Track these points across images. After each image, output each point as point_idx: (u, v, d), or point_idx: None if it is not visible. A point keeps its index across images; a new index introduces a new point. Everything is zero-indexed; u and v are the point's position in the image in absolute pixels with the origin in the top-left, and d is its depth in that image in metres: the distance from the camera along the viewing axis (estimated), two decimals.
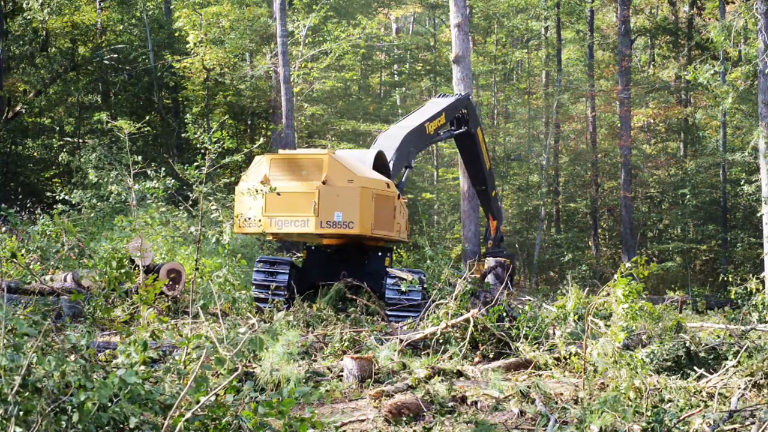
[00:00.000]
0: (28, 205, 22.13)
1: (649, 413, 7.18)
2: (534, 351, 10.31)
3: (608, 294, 9.11)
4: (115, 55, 32.28)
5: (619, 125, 34.37)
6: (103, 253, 13.50)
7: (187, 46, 30.99)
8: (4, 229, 15.92)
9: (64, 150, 27.49)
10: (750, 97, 26.20)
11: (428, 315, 11.95)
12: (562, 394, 8.34)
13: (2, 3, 31.28)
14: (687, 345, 9.65)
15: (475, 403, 8.00)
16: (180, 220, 17.38)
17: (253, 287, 14.64)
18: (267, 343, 8.28)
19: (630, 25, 34.26)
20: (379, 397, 8.04)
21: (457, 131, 19.78)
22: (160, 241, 15.75)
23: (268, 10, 32.15)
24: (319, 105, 34.14)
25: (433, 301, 12.44)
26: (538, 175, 36.59)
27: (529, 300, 15.65)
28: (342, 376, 8.96)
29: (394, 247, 18.51)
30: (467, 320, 10.58)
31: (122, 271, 11.44)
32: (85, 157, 23.00)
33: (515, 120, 39.49)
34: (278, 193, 13.81)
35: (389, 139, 16.63)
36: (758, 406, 7.40)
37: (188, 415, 5.43)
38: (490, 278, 17.84)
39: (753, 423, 7.01)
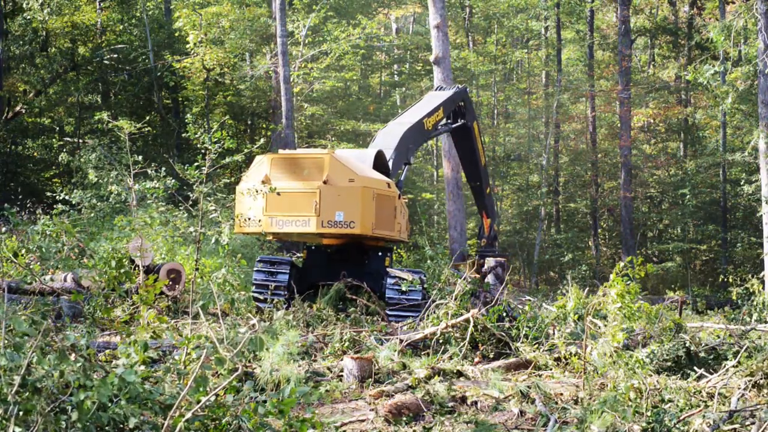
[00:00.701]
0: (28, 205, 22.13)
1: (649, 413, 7.18)
2: (534, 351, 10.31)
3: (604, 294, 9.11)
4: (115, 55, 32.29)
5: (619, 125, 34.38)
6: (103, 253, 13.49)
7: (187, 46, 31.00)
8: (4, 229, 15.92)
9: (64, 150, 27.49)
10: (750, 97, 26.20)
11: (428, 315, 11.94)
12: (562, 394, 8.34)
13: (2, 3, 31.28)
14: (687, 345, 9.65)
15: (475, 403, 8.00)
16: (180, 220, 17.37)
17: (253, 287, 14.64)
18: (267, 343, 8.28)
19: (630, 25, 34.26)
20: (379, 397, 8.04)
21: (455, 125, 19.67)
22: (160, 241, 15.75)
23: (268, 10, 32.16)
24: (319, 105, 34.15)
25: (433, 301, 12.44)
26: (538, 175, 36.60)
27: (529, 300, 15.65)
28: (342, 376, 8.95)
29: (394, 247, 18.51)
30: (467, 320, 10.58)
31: (122, 271, 11.45)
32: (85, 157, 23.00)
33: (515, 120, 39.50)
34: (278, 193, 13.80)
35: (388, 136, 16.60)
36: (758, 406, 7.39)
37: (188, 415, 5.43)
38: (490, 278, 17.84)
39: (753, 423, 7.01)
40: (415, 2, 39.66)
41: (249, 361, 8.76)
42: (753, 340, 10.57)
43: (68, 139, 31.87)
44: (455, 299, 11.64)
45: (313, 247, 15.31)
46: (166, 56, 31.68)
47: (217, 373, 7.69)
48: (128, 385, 5.44)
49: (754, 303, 15.21)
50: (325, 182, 13.80)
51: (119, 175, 19.98)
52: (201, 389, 5.67)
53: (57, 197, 18.26)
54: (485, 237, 21.98)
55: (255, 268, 14.75)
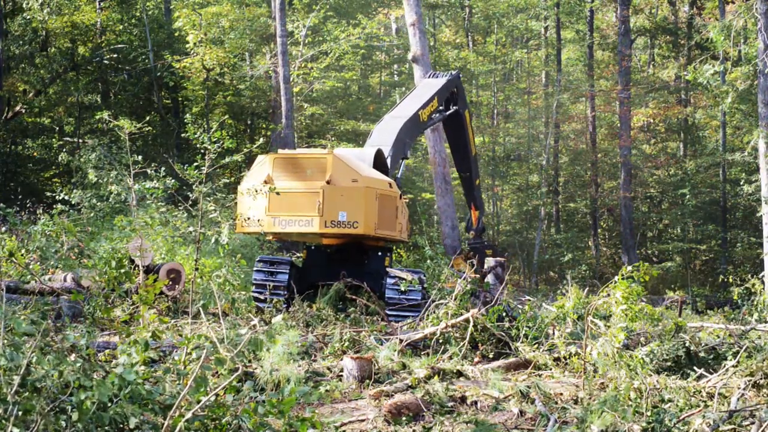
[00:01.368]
0: (28, 205, 22.12)
1: (649, 413, 7.18)
2: (534, 351, 10.31)
3: (608, 295, 9.11)
4: (115, 55, 32.28)
5: (618, 125, 34.38)
6: (103, 253, 13.49)
7: (187, 46, 30.99)
8: (4, 229, 15.92)
9: (64, 150, 27.49)
10: (750, 97, 26.19)
11: (428, 315, 11.94)
12: (562, 394, 8.34)
13: (2, 3, 31.27)
14: (687, 345, 9.65)
15: (475, 403, 8.00)
16: (180, 220, 17.38)
17: (253, 287, 14.63)
18: (267, 343, 8.28)
19: (630, 25, 34.26)
20: (378, 397, 8.04)
21: (448, 112, 19.39)
22: (160, 241, 15.75)
23: (268, 10, 32.17)
24: (319, 105, 34.15)
25: (433, 301, 12.44)
26: (538, 175, 36.59)
27: (529, 300, 15.65)
28: (342, 376, 8.95)
29: (394, 247, 18.49)
30: (467, 320, 10.58)
31: (122, 271, 11.45)
32: (85, 157, 23.00)
33: (515, 120, 39.50)
34: (278, 193, 13.79)
35: (384, 132, 16.52)
36: (758, 406, 7.39)
37: (188, 415, 5.43)
38: (490, 278, 17.83)
39: (753, 423, 7.01)
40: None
41: (249, 361, 8.76)
42: (753, 340, 10.57)
43: (68, 139, 31.86)
44: (455, 299, 11.64)
45: (312, 247, 15.31)
46: (166, 56, 31.67)
47: (217, 373, 7.69)
48: (128, 385, 5.44)
49: (755, 303, 15.21)
50: (328, 182, 13.79)
51: (119, 175, 20.00)
52: (201, 389, 5.67)
53: (57, 197, 18.26)
54: (474, 229, 21.62)
55: (255, 268, 14.74)
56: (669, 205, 35.80)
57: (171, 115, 33.34)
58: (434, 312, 11.86)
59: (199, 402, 5.57)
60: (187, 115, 16.72)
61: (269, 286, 14.29)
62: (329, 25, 32.68)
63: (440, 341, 10.53)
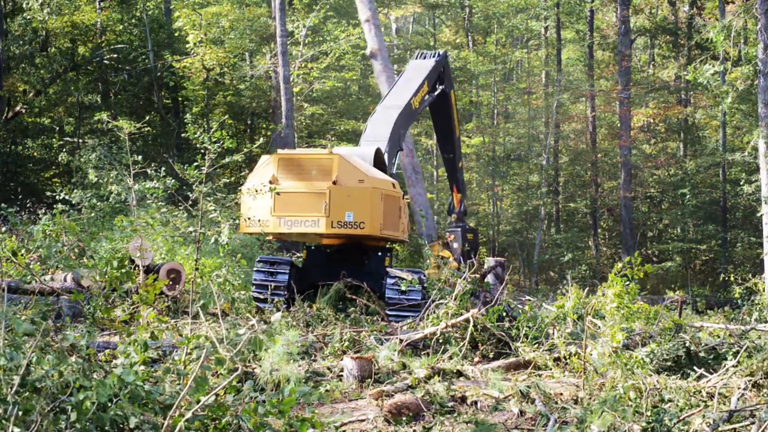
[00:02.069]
0: (28, 205, 22.13)
1: (649, 413, 7.18)
2: (534, 351, 10.31)
3: (603, 294, 9.11)
4: (115, 55, 32.29)
5: (619, 125, 34.38)
6: (104, 253, 13.49)
7: (187, 46, 31.00)
8: (4, 228, 15.92)
9: (64, 150, 27.49)
10: (750, 97, 26.19)
11: (428, 315, 11.94)
12: (562, 394, 8.33)
13: (2, 3, 31.28)
14: (687, 345, 9.64)
15: (475, 403, 8.00)
16: (180, 220, 17.37)
17: (253, 287, 14.62)
18: (267, 343, 8.28)
19: (630, 25, 34.26)
20: (379, 397, 8.04)
21: (435, 93, 19.01)
22: (160, 241, 15.75)
23: (268, 10, 32.18)
24: (319, 105, 34.15)
25: (433, 301, 12.44)
26: (538, 175, 36.59)
27: (529, 300, 15.65)
28: (342, 376, 8.95)
29: (395, 247, 18.50)
30: (467, 320, 10.58)
31: (123, 271, 11.45)
32: (85, 157, 23.00)
33: (515, 120, 39.49)
34: (278, 193, 13.79)
35: (379, 126, 16.40)
36: (758, 406, 7.39)
37: (188, 415, 5.43)
38: (490, 278, 17.84)
39: (753, 423, 7.01)
40: (414, 2, 39.66)
41: (249, 361, 8.76)
42: (753, 340, 10.56)
43: (68, 139, 31.87)
44: (455, 299, 11.64)
45: (312, 248, 15.30)
46: (166, 56, 31.68)
47: (216, 373, 7.69)
48: (128, 385, 5.44)
49: (755, 303, 15.21)
50: (334, 183, 13.79)
51: (119, 175, 19.99)
52: (201, 389, 5.68)
53: (57, 197, 18.26)
54: (456, 212, 21.13)
55: (255, 268, 14.73)
56: (669, 205, 35.80)
57: (171, 115, 33.35)
58: (434, 312, 11.86)
59: (199, 402, 5.57)
60: (188, 115, 16.71)
61: (269, 286, 14.29)
62: (329, 25, 32.69)
63: (440, 341, 10.53)
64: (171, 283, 13.33)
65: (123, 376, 5.42)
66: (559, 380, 9.16)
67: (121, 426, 5.35)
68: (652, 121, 38.21)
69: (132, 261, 12.79)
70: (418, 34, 44.10)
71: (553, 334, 10.90)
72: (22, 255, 12.73)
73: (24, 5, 30.93)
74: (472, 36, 40.69)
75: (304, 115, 33.59)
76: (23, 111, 31.12)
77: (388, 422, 7.39)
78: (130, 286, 12.00)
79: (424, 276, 14.41)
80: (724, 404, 7.74)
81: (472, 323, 10.50)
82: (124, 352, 6.41)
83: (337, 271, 14.46)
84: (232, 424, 5.67)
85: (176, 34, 32.93)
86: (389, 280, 14.09)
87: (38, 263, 13.59)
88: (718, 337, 11.17)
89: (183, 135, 32.91)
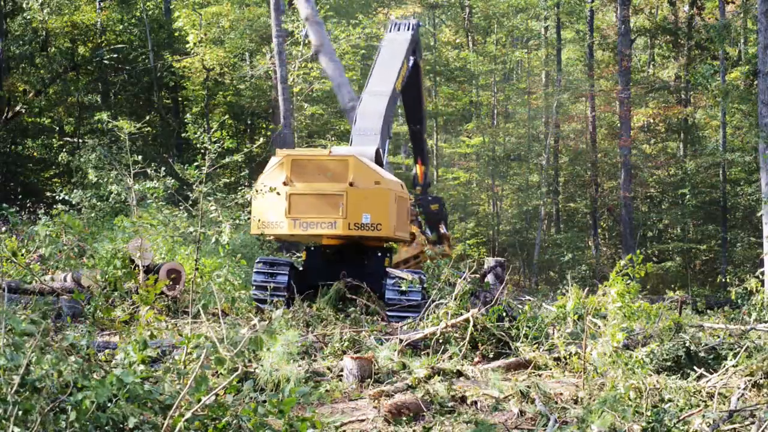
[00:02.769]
0: (28, 205, 22.14)
1: (649, 413, 7.18)
2: (534, 351, 10.30)
3: (604, 293, 9.11)
4: (115, 55, 32.29)
5: (619, 125, 34.37)
6: (104, 253, 13.49)
7: (187, 46, 31.00)
8: (4, 228, 15.92)
9: (64, 150, 27.50)
10: (750, 97, 26.20)
11: (428, 315, 11.94)
12: (562, 394, 8.33)
13: (2, 3, 31.28)
14: (687, 345, 9.64)
15: (475, 403, 8.00)
16: (180, 220, 17.37)
17: (253, 288, 14.61)
18: (267, 343, 8.28)
19: (630, 25, 34.25)
20: (379, 397, 8.04)
21: (410, 66, 18.36)
22: (160, 241, 15.75)
23: (268, 10, 32.15)
24: (319, 105, 34.16)
25: (433, 301, 12.43)
26: (538, 175, 36.59)
27: (529, 300, 15.65)
28: (342, 376, 8.95)
29: (394, 246, 18.46)
30: (467, 320, 10.58)
31: (125, 271, 11.45)
32: (85, 157, 23.00)
33: (515, 120, 39.49)
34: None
35: (369, 119, 16.19)
36: (758, 406, 7.40)
37: (188, 414, 5.43)
38: (490, 278, 17.83)
39: (753, 423, 7.01)
40: (414, 2, 39.65)
41: (249, 361, 8.76)
42: (753, 340, 10.57)
43: (68, 139, 31.87)
44: (455, 299, 11.64)
45: (312, 248, 15.29)
46: (166, 56, 31.67)
47: (216, 373, 7.69)
48: (127, 385, 5.44)
49: (753, 303, 15.20)
50: (351, 184, 13.81)
51: (119, 175, 19.98)
52: (201, 389, 5.68)
53: (57, 197, 18.26)
54: (420, 185, 20.52)
55: (255, 269, 14.72)
56: (669, 205, 35.79)
57: (171, 115, 33.35)
58: (434, 312, 11.86)
59: (198, 401, 5.57)
60: (188, 115, 16.72)
61: (269, 287, 14.28)
62: (329, 25, 32.66)
63: (440, 341, 10.53)
64: (171, 283, 13.33)
65: (122, 375, 5.42)
66: (559, 380, 9.16)
67: (121, 426, 5.35)
68: (652, 121, 38.21)
69: (132, 261, 12.79)
70: None
71: (553, 334, 10.90)
72: (22, 255, 12.74)
73: (24, 5, 30.94)
74: (472, 36, 40.68)
75: (304, 115, 33.59)
76: (23, 111, 31.13)
77: (388, 422, 7.39)
78: (130, 286, 12.00)
79: (424, 276, 14.41)
80: (724, 404, 7.74)
81: (472, 323, 10.49)
82: (123, 352, 6.41)
83: (336, 271, 14.45)
84: (232, 424, 5.67)
85: (176, 34, 32.93)
86: (389, 281, 14.08)
87: (38, 263, 13.58)
88: (718, 337, 11.18)
89: (183, 135, 32.97)
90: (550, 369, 9.67)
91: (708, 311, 18.78)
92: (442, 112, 38.07)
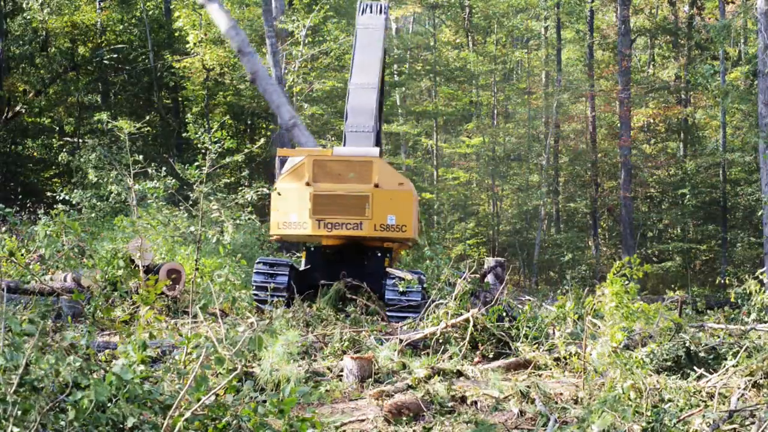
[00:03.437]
0: (28, 205, 22.13)
1: (649, 413, 7.18)
2: (534, 351, 10.31)
3: (602, 294, 9.11)
4: (115, 55, 32.30)
5: (619, 125, 34.37)
6: (104, 253, 13.49)
7: (187, 46, 31.00)
8: (4, 228, 15.92)
9: (64, 150, 27.49)
10: (750, 97, 26.20)
11: (428, 315, 11.94)
12: (562, 394, 8.33)
13: (2, 3, 31.28)
14: (687, 345, 9.64)
15: (475, 403, 8.00)
16: (180, 220, 17.37)
17: (253, 288, 14.60)
18: (267, 343, 8.28)
19: (630, 25, 34.25)
20: (379, 397, 8.04)
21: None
22: (160, 241, 15.75)
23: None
24: (318, 105, 34.16)
25: (433, 301, 12.43)
26: (538, 175, 36.59)
27: (529, 300, 15.65)
28: (342, 376, 8.95)
29: (392, 246, 18.44)
30: (467, 320, 10.58)
31: (125, 271, 11.45)
32: (85, 157, 22.99)
33: (515, 120, 39.49)
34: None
35: (361, 115, 15.94)
36: (758, 406, 7.39)
37: (187, 414, 5.43)
38: (490, 278, 17.82)
39: (753, 423, 7.01)
40: (414, 2, 39.65)
41: (249, 361, 8.76)
42: (753, 340, 10.56)
43: (68, 139, 31.87)
44: (455, 299, 11.64)
45: (312, 249, 15.28)
46: (166, 56, 31.68)
47: (217, 373, 7.69)
48: (126, 384, 5.44)
49: (753, 303, 15.20)
50: (376, 186, 13.84)
51: (119, 175, 19.97)
52: (201, 389, 5.68)
53: (57, 197, 18.25)
54: None
55: (255, 270, 14.71)
56: (669, 205, 35.80)
57: (171, 115, 33.35)
58: (434, 312, 11.86)
59: (198, 401, 5.57)
60: (188, 115, 16.71)
61: (269, 288, 14.27)
62: (329, 25, 32.68)
63: (440, 341, 10.53)
64: (171, 283, 13.33)
65: (121, 374, 5.42)
66: (559, 380, 9.16)
67: (121, 426, 5.35)
68: (652, 121, 38.21)
69: (132, 261, 12.79)
70: (418, 34, 44.07)
71: (553, 334, 10.90)
72: (22, 255, 12.73)
73: (24, 5, 30.94)
74: (472, 36, 40.68)
75: (304, 115, 33.57)
76: (23, 111, 31.12)
77: (388, 422, 7.39)
78: (130, 286, 12.00)
79: (424, 276, 14.41)
80: (724, 404, 7.73)
81: (472, 323, 10.49)
82: (123, 352, 6.41)
83: (336, 271, 14.45)
84: (232, 424, 5.67)
85: (176, 34, 32.93)
86: (389, 281, 14.08)
87: (38, 263, 13.58)
88: (718, 337, 11.18)
89: (183, 135, 32.97)
90: (550, 369, 9.67)
91: (708, 311, 18.79)
92: (442, 112, 38.06)
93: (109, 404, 5.32)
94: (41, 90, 32.24)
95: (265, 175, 31.16)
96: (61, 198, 18.03)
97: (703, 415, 7.04)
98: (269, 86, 21.51)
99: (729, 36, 21.87)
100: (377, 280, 14.43)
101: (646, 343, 10.11)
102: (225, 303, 13.21)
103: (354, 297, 13.59)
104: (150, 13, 34.30)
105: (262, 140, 18.68)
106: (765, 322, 13.47)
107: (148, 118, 28.85)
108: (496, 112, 39.88)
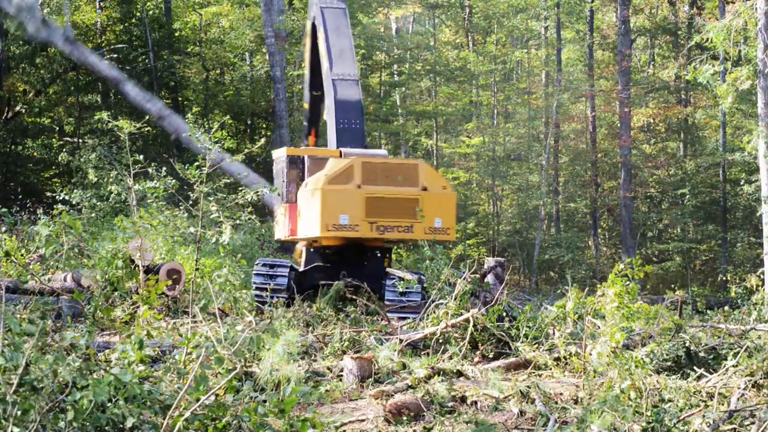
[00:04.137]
0: (28, 205, 22.13)
1: (649, 413, 7.18)
2: (534, 351, 10.31)
3: (603, 294, 9.12)
4: (115, 55, 32.29)
5: (618, 125, 34.36)
6: (104, 253, 13.49)
7: (187, 45, 31.00)
8: (4, 229, 15.92)
9: (64, 150, 27.49)
10: (750, 97, 26.18)
11: (428, 315, 11.94)
12: (562, 394, 8.33)
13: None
14: (687, 345, 9.64)
15: (475, 403, 7.99)
16: (180, 220, 17.36)
17: (254, 289, 14.62)
18: (266, 343, 8.28)
19: (630, 25, 34.24)
20: (379, 397, 8.04)
21: None
22: (160, 241, 15.74)
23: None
24: None
25: (433, 301, 12.44)
26: (538, 175, 36.57)
27: (529, 300, 15.65)
28: (342, 376, 8.95)
29: (394, 247, 18.47)
30: (467, 320, 10.58)
31: (125, 271, 11.44)
32: (85, 157, 22.99)
33: (515, 120, 39.48)
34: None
35: (350, 111, 15.99)
36: (758, 406, 7.39)
37: (187, 414, 5.43)
38: (490, 278, 17.81)
39: (753, 423, 7.01)
40: (414, 2, 39.65)
41: (249, 361, 8.76)
42: (753, 340, 10.56)
43: (68, 139, 31.87)
44: (455, 299, 11.63)
45: (311, 250, 15.28)
46: (166, 56, 31.68)
47: (216, 373, 7.69)
48: (125, 384, 5.44)
49: (754, 302, 15.20)
50: (424, 189, 13.95)
51: (119, 175, 19.98)
52: (200, 388, 5.67)
53: (57, 197, 18.25)
54: None
55: (254, 271, 14.71)
56: (669, 205, 35.79)
57: None
58: (434, 312, 11.85)
59: (198, 401, 5.57)
60: (189, 115, 16.68)
61: (269, 289, 14.28)
62: None
63: (440, 341, 10.53)
64: (171, 283, 13.33)
65: (120, 375, 5.42)
66: (559, 380, 9.16)
67: (120, 426, 5.35)
68: (652, 121, 38.19)
69: (132, 261, 12.78)
70: (418, 34, 44.05)
71: (553, 334, 10.89)
72: (22, 255, 12.73)
73: None
74: (472, 36, 40.67)
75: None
76: (23, 111, 31.12)
77: (388, 422, 7.39)
78: (130, 286, 11.99)
79: (424, 276, 14.42)
80: (724, 404, 7.73)
81: (472, 323, 10.50)
82: (122, 352, 6.41)
83: (336, 272, 14.46)
84: (232, 424, 5.67)
85: (176, 34, 32.92)
86: (389, 281, 14.09)
87: (38, 263, 13.59)
88: (718, 337, 11.17)
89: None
90: (550, 369, 9.67)
91: (708, 311, 18.78)
92: (442, 112, 38.05)
93: (108, 404, 5.32)
94: (41, 90, 32.24)
95: (265, 175, 31.15)
96: (61, 198, 18.03)
97: (703, 415, 7.04)
98: (185, 131, 20.91)
99: (729, 36, 21.86)
100: (377, 280, 14.44)
101: (646, 343, 10.11)
102: (226, 303, 13.21)
103: (354, 297, 13.60)
104: (150, 13, 34.30)
105: (262, 140, 18.63)
106: (765, 322, 13.47)
107: (148, 118, 28.83)
108: (496, 112, 39.87)
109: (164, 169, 16.31)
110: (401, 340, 10.42)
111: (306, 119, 20.03)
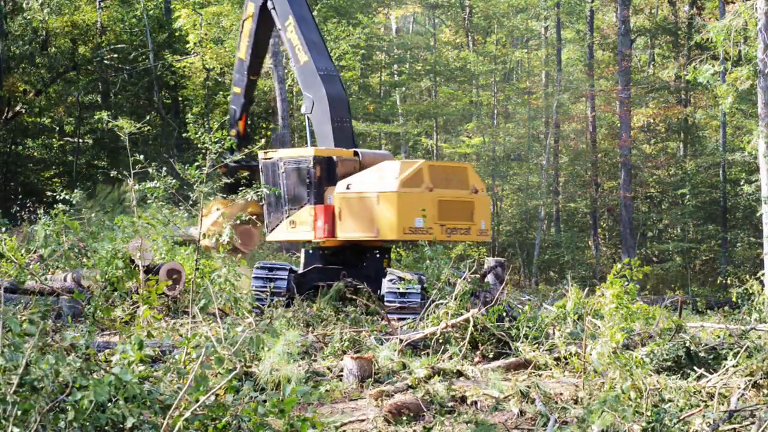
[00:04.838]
0: (28, 205, 22.10)
1: (649, 413, 7.18)
2: (534, 351, 10.31)
3: (602, 294, 9.13)
4: (115, 55, 32.29)
5: (619, 125, 34.37)
6: (104, 253, 13.48)
7: (187, 46, 30.99)
8: (4, 229, 15.92)
9: (67, 151, 27.47)
10: (750, 97, 26.17)
11: (428, 315, 11.94)
12: (562, 394, 8.33)
13: (2, 3, 31.28)
14: (687, 345, 9.64)
15: (475, 403, 8.00)
16: (180, 220, 17.34)
17: (253, 291, 14.61)
18: (266, 343, 8.28)
19: (630, 25, 34.25)
20: (379, 397, 8.04)
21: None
22: (160, 241, 15.73)
23: None
24: None
25: (433, 301, 12.43)
26: (538, 175, 36.58)
27: (529, 300, 15.65)
28: (342, 376, 8.95)
29: (393, 247, 18.43)
30: (467, 320, 10.58)
31: (125, 270, 11.44)
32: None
33: (515, 120, 39.48)
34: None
35: (340, 108, 15.72)
36: (758, 406, 7.40)
37: (187, 414, 5.43)
38: (490, 278, 17.81)
39: (753, 423, 7.01)
40: (414, 2, 39.65)
41: (249, 361, 8.75)
42: (753, 340, 10.57)
43: (68, 139, 31.87)
44: (455, 299, 11.64)
45: (310, 251, 15.27)
46: (166, 56, 31.67)
47: (217, 373, 7.69)
48: (125, 384, 5.44)
49: (754, 303, 15.20)
50: (475, 191, 14.15)
51: (119, 175, 19.94)
52: (201, 388, 5.67)
53: (57, 197, 18.24)
54: (242, 141, 18.22)
55: (253, 275, 14.70)
56: (669, 205, 35.79)
57: (171, 115, 33.33)
58: (434, 312, 11.85)
59: (198, 401, 5.57)
60: (189, 115, 16.67)
61: (269, 290, 14.28)
62: (329, 25, 32.66)
63: (440, 341, 10.53)
64: (171, 283, 13.32)
65: (120, 375, 5.42)
66: (559, 380, 9.16)
67: (120, 426, 5.35)
68: (652, 121, 38.20)
69: (132, 261, 12.78)
70: (418, 34, 44.06)
71: (553, 334, 10.90)
72: (21, 255, 12.73)
73: (24, 5, 30.93)
74: (472, 36, 40.67)
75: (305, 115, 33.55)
76: (23, 111, 31.11)
77: (388, 422, 7.39)
78: (130, 286, 11.99)
79: (424, 277, 14.41)
80: (724, 404, 7.73)
81: (472, 323, 10.50)
82: (122, 352, 6.42)
83: (335, 272, 14.45)
84: (232, 424, 5.67)
85: (176, 34, 32.91)
86: (388, 282, 14.07)
87: (38, 263, 13.58)
88: (718, 337, 11.18)
89: (183, 135, 32.92)
90: (550, 369, 9.67)
91: (708, 311, 18.79)
92: (442, 112, 38.04)
93: (108, 404, 5.32)
94: (41, 90, 32.23)
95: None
96: (61, 198, 18.03)
97: (703, 415, 7.04)
98: None
99: (729, 36, 21.86)
100: (376, 280, 14.42)
101: (646, 343, 10.11)
102: (226, 304, 13.21)
103: (354, 297, 13.59)
104: (150, 13, 34.28)
105: (262, 140, 18.59)
106: (765, 322, 13.47)
107: (148, 117, 28.82)
108: (496, 112, 39.87)
109: (164, 169, 16.30)
110: (401, 340, 10.42)
111: (237, 105, 19.02)
